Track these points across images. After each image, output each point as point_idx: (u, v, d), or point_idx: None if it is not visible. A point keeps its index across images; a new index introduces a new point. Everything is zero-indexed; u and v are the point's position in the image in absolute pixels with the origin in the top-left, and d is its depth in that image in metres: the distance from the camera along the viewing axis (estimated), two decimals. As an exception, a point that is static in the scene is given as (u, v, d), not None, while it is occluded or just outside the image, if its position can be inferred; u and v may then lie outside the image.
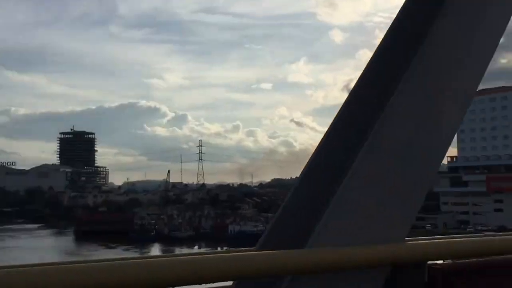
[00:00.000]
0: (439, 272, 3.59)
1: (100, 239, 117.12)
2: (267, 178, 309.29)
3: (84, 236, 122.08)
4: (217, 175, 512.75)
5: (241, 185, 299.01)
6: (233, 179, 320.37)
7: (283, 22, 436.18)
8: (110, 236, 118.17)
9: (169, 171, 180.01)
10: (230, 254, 3.57)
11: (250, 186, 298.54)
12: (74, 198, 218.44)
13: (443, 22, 3.78)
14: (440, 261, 3.69)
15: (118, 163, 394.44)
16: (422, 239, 4.14)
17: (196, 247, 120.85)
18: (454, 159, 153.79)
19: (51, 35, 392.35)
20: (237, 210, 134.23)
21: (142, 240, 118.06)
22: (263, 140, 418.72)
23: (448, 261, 3.80)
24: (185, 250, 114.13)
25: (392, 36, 4.32)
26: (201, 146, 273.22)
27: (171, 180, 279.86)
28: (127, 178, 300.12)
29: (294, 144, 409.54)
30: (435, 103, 3.76)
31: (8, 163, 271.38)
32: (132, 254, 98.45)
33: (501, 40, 4.03)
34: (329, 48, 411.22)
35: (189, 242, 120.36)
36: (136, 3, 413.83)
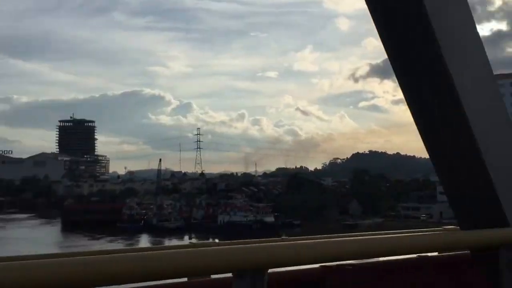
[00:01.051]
0: None
1: (87, 229, 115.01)
2: (272, 167, 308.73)
3: (72, 226, 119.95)
4: (222, 164, 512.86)
5: (244, 174, 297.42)
6: (239, 168, 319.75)
7: (289, 10, 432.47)
8: (98, 226, 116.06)
9: (160, 160, 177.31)
10: None
11: (253, 175, 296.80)
12: (69, 187, 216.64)
13: None
14: None
15: (122, 152, 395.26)
16: None
17: (186, 237, 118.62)
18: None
19: (54, 23, 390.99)
20: (229, 200, 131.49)
21: (130, 230, 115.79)
22: (269, 128, 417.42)
23: None
24: (174, 241, 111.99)
25: None
26: (199, 134, 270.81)
27: (173, 169, 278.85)
28: (125, 167, 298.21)
29: (300, 132, 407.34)
30: None
31: (5, 152, 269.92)
32: (114, 246, 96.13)
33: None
34: (334, 36, 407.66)
35: (178, 232, 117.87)
36: None
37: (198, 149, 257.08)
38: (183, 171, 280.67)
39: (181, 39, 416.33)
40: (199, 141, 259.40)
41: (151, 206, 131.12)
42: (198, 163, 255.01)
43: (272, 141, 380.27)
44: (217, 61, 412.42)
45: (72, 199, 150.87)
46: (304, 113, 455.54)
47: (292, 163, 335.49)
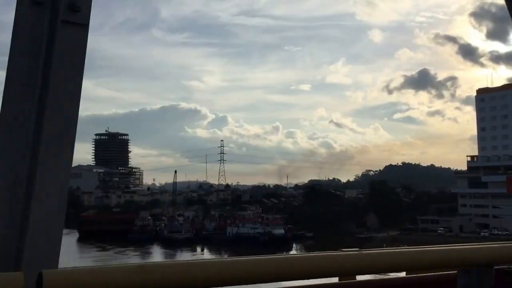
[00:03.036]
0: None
1: (100, 239, 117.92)
2: (305, 179, 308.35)
3: (87, 237, 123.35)
4: (256, 176, 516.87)
5: (276, 186, 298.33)
6: (273, 181, 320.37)
7: (322, 23, 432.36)
8: (110, 236, 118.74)
9: (176, 172, 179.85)
10: None
11: (285, 187, 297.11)
12: (100, 198, 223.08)
13: None
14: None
15: (160, 164, 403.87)
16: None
17: (199, 249, 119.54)
18: (475, 158, 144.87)
19: (98, 41, 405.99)
20: (242, 212, 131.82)
21: (141, 241, 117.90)
22: (303, 141, 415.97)
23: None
24: (185, 253, 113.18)
25: None
26: (222, 146, 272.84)
27: (209, 181, 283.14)
28: (154, 179, 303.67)
29: (334, 145, 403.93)
30: None
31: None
32: (120, 258, 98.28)
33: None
34: (368, 48, 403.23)
35: (188, 244, 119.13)
36: (178, 7, 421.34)
37: (222, 161, 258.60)
38: (212, 183, 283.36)
39: (216, 54, 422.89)
40: (223, 153, 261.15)
41: (163, 218, 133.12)
42: (222, 175, 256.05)
43: (307, 153, 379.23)
44: (251, 75, 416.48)
45: (94, 209, 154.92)
46: (338, 125, 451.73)
47: (325, 175, 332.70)
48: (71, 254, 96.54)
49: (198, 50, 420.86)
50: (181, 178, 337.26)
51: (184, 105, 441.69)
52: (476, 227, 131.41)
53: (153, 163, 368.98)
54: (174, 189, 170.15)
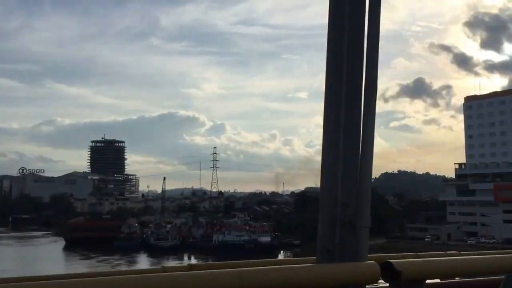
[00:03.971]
0: None
1: (86, 247, 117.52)
2: (302, 187, 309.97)
3: (73, 244, 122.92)
4: (254, 183, 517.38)
5: (273, 193, 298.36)
6: (270, 188, 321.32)
7: (319, 32, 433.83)
8: (97, 244, 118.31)
9: (164, 178, 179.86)
10: None
11: (281, 194, 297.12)
12: (93, 205, 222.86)
13: None
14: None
15: (159, 171, 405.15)
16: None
17: (186, 257, 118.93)
18: (463, 166, 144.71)
19: (97, 49, 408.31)
20: (230, 219, 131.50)
21: (127, 248, 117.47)
22: (300, 149, 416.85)
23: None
24: (171, 261, 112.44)
25: None
26: (215, 153, 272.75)
27: (206, 188, 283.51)
28: (148, 186, 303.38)
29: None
30: None
31: (37, 171, 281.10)
32: (104, 266, 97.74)
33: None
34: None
35: (174, 252, 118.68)
36: (177, 15, 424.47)
37: (215, 168, 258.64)
38: (207, 189, 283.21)
39: (215, 62, 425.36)
40: (216, 160, 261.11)
41: (150, 225, 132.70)
42: (215, 182, 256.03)
43: (304, 160, 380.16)
44: (249, 83, 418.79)
45: (83, 216, 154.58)
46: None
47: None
48: (51, 262, 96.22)
49: (197, 58, 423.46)
50: (178, 185, 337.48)
51: (182, 112, 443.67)
52: (465, 235, 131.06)
53: (151, 170, 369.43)
54: (162, 196, 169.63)
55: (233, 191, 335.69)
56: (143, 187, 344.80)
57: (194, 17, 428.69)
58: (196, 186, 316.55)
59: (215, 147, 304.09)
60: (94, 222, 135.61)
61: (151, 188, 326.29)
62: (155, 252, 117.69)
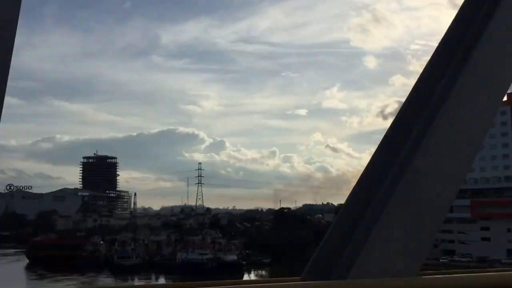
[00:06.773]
0: None
1: (47, 266, 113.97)
2: (300, 204, 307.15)
3: (35, 263, 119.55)
4: (253, 200, 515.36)
5: (269, 210, 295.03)
6: (270, 205, 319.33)
7: (318, 50, 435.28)
8: (58, 263, 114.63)
9: (135, 194, 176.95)
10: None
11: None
12: (77, 222, 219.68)
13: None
14: None
15: (158, 187, 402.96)
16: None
17: (153, 277, 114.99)
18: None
19: (98, 66, 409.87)
20: (197, 237, 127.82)
21: (88, 268, 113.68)
22: (299, 165, 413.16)
23: None
24: (136, 282, 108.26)
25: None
26: (200, 169, 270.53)
27: (192, 203, 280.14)
28: (134, 203, 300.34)
29: (330, 169, 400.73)
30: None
31: (25, 187, 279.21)
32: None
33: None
34: (363, 74, 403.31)
35: (138, 271, 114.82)
36: (178, 33, 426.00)
37: (200, 184, 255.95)
38: (193, 206, 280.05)
39: (215, 80, 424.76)
40: (201, 176, 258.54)
41: (115, 242, 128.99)
42: (200, 198, 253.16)
43: (303, 177, 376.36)
44: (249, 100, 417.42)
45: (55, 233, 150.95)
46: (334, 150, 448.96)
47: (321, 199, 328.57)
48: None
49: (197, 76, 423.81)
50: (177, 202, 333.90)
51: (182, 129, 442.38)
52: (442, 253, 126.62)
53: (150, 187, 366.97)
54: (134, 212, 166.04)
55: (231, 208, 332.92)
56: (142, 203, 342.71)
57: (194, 35, 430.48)
58: (192, 202, 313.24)
59: (200, 163, 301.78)
60: (59, 240, 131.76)
61: (150, 205, 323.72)
62: (119, 272, 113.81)
